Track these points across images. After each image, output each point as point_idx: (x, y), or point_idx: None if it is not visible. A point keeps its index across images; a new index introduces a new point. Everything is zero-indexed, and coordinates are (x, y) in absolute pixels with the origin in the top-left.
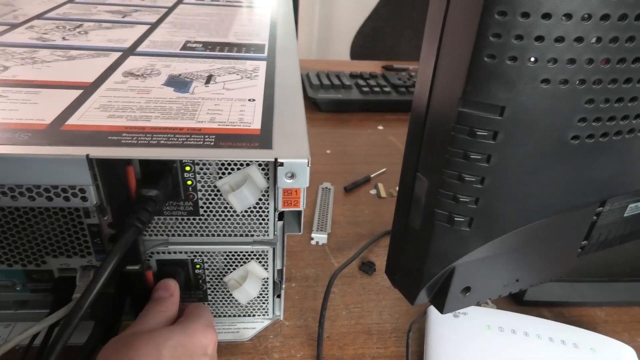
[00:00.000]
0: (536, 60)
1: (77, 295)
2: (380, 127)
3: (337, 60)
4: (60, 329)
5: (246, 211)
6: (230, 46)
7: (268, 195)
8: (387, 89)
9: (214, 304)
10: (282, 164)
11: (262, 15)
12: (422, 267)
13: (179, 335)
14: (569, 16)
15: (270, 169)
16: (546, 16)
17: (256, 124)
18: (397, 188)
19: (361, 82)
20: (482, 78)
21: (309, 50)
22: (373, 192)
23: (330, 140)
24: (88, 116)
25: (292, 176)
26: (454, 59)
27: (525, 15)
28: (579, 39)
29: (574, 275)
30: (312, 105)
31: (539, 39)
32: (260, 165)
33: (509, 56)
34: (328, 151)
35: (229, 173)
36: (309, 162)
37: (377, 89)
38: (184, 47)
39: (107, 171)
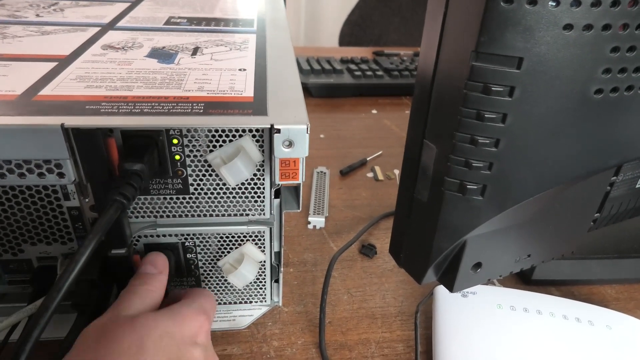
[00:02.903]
0: (557, 4)
1: None
2: (374, 111)
3: (326, 47)
4: (36, 315)
5: (240, 188)
6: (217, 21)
7: (263, 170)
8: (379, 73)
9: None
10: (278, 131)
11: None
12: (430, 242)
13: (166, 322)
14: None
15: (265, 140)
16: None
17: (248, 92)
18: (398, 171)
19: (353, 66)
20: (498, 26)
21: (297, 39)
22: (370, 175)
23: (324, 125)
24: (63, 87)
25: (290, 144)
26: (466, 8)
27: None
28: None
29: (583, 252)
30: (303, 91)
31: None
32: (254, 136)
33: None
34: (322, 135)
35: (220, 146)
36: (309, 129)
37: (369, 73)
38: (168, 22)
39: (86, 143)
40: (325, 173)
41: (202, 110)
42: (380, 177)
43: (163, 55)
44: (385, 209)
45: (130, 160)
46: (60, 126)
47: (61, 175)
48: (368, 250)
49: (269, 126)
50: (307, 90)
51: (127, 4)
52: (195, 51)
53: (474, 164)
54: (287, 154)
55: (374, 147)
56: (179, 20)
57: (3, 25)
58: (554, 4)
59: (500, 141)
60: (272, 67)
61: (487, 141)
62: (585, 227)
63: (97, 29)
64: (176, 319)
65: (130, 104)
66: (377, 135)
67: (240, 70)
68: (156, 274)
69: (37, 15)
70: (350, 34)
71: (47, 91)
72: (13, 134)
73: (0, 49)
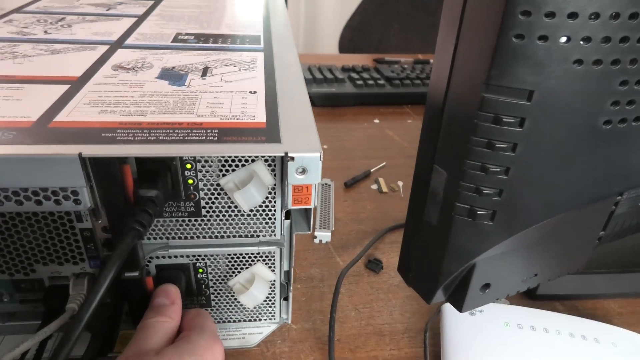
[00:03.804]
0: (568, 40)
1: (71, 305)
2: (377, 121)
3: (326, 54)
4: (57, 347)
5: (251, 210)
6: (224, 38)
7: (274, 193)
8: (380, 82)
9: (217, 309)
10: (292, 159)
11: (254, 6)
12: (439, 264)
13: (190, 357)
14: None
15: (277, 165)
16: None
17: (261, 117)
18: (402, 183)
19: (354, 75)
20: (508, 60)
21: (296, 45)
22: (374, 187)
23: (327, 135)
24: (78, 112)
25: (304, 171)
26: (477, 40)
27: None
28: (615, 15)
29: (586, 267)
30: None
31: (572, 15)
32: (266, 160)
33: (539, 35)
34: (325, 146)
35: (233, 170)
36: (322, 156)
37: (370, 82)
38: (175, 40)
39: (102, 171)
40: (329, 185)
41: (216, 138)
42: (385, 189)
43: (173, 76)
44: (390, 222)
45: (145, 186)
46: (78, 155)
47: (77, 202)
48: (374, 265)
49: (283, 154)
50: (310, 100)
51: (133, 19)
52: (205, 72)
53: (484, 191)
54: (300, 181)
55: (377, 158)
56: (186, 37)
57: (12, 44)
58: (565, 39)
59: (511, 169)
60: (282, 89)
61: (498, 169)
62: (591, 245)
63: (106, 47)
64: (197, 353)
65: (145, 131)
66: (379, 146)
67: (251, 92)
68: (169, 305)
69: (46, 32)
70: (350, 39)
71: (62, 117)
72: (31, 163)
73: (12, 70)
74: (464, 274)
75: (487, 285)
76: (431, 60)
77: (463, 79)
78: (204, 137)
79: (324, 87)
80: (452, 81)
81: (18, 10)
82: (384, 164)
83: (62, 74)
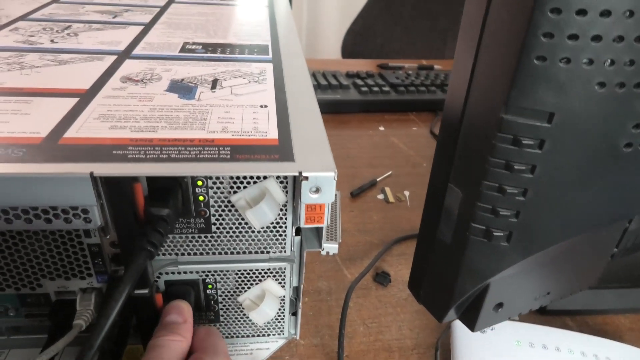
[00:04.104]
0: (591, 62)
1: (78, 322)
2: (382, 128)
3: (330, 59)
4: None
5: (262, 227)
6: (232, 47)
7: (286, 210)
8: (385, 89)
9: (226, 324)
10: (306, 178)
11: (260, 13)
12: (453, 284)
13: None
14: (629, 13)
15: (289, 182)
16: (605, 13)
17: (273, 134)
18: (408, 192)
19: (359, 81)
20: (529, 82)
21: None
22: (380, 196)
23: (332, 143)
24: (88, 127)
25: (317, 191)
26: (497, 61)
27: (582, 13)
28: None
29: (597, 282)
30: None
31: (596, 38)
32: (278, 177)
33: (561, 58)
34: None
35: (244, 187)
36: (336, 176)
37: (375, 88)
38: (183, 49)
39: (113, 189)
40: (336, 195)
41: (229, 156)
42: (391, 199)
43: (183, 89)
44: (397, 234)
45: (157, 204)
46: (90, 175)
47: (87, 220)
48: (382, 279)
49: (297, 174)
50: None
51: (140, 27)
52: (214, 84)
53: (501, 212)
54: (314, 200)
55: (383, 166)
56: (194, 47)
57: (19, 54)
58: (588, 62)
59: (528, 191)
60: (293, 103)
61: (515, 191)
62: (604, 262)
63: (114, 57)
64: None
65: (156, 148)
66: (385, 154)
67: (261, 106)
68: (181, 323)
69: (52, 41)
70: (353, 43)
71: (72, 133)
72: (42, 182)
73: (20, 81)
74: (477, 294)
75: (500, 305)
76: (435, 66)
77: (481, 99)
78: (217, 155)
79: (329, 94)
80: (470, 100)
81: (24, 17)
82: (390, 172)
83: (70, 86)
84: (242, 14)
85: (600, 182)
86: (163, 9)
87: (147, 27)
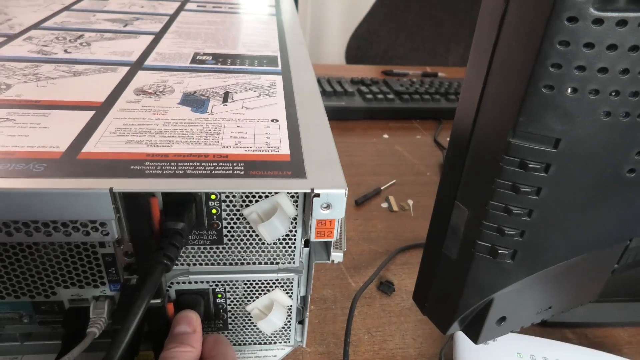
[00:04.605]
0: (597, 92)
1: (92, 329)
2: (386, 136)
3: (334, 65)
4: None
5: None
6: (241, 59)
7: (296, 222)
8: (390, 96)
9: (234, 332)
10: (318, 195)
11: (268, 22)
12: (457, 298)
13: None
14: (634, 48)
15: (300, 196)
16: (612, 47)
17: (284, 149)
18: (412, 201)
19: (364, 88)
20: (537, 109)
21: None
22: (384, 205)
23: (337, 150)
24: (105, 142)
25: (328, 207)
26: (505, 87)
27: (590, 46)
28: None
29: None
30: None
31: (603, 70)
32: (289, 192)
33: (568, 87)
34: None
35: (256, 201)
36: (347, 193)
37: (380, 96)
38: (194, 60)
39: (131, 204)
40: None
41: (242, 172)
42: (395, 208)
43: (195, 102)
44: (401, 243)
45: (172, 218)
46: (109, 190)
47: (105, 233)
48: (386, 288)
49: (309, 190)
50: None
51: (150, 37)
52: (226, 97)
53: (506, 231)
54: (325, 216)
55: (387, 174)
56: (204, 58)
57: (35, 64)
58: (594, 92)
59: (534, 211)
60: (303, 117)
61: (521, 211)
62: (605, 277)
63: (127, 68)
64: None
65: (172, 164)
66: (389, 162)
67: (273, 121)
68: (191, 333)
69: (66, 51)
70: (357, 47)
71: (90, 147)
72: (63, 197)
73: (37, 94)
74: (481, 308)
75: (503, 319)
76: (439, 74)
77: (489, 122)
78: (231, 171)
79: (334, 101)
80: (478, 122)
81: (36, 26)
82: (394, 181)
83: (86, 99)
84: (251, 22)
85: (603, 205)
86: (172, 17)
87: (158, 36)
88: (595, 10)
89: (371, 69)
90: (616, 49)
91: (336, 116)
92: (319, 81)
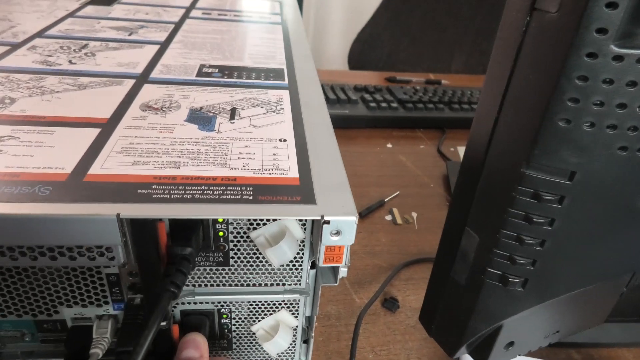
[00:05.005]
0: (614, 127)
1: (95, 350)
2: (389, 145)
3: (338, 71)
4: None
5: None
6: (248, 72)
7: (303, 245)
8: (394, 105)
9: (238, 352)
10: (328, 222)
11: (274, 31)
12: (466, 322)
13: None
14: None
15: (308, 221)
16: (632, 84)
17: (293, 172)
18: (416, 214)
19: (367, 96)
20: (552, 142)
21: None
22: (388, 217)
23: None
24: (111, 163)
25: (338, 233)
26: (520, 118)
27: (609, 82)
28: None
29: None
30: None
31: (622, 106)
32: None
33: (586, 122)
34: None
35: (264, 224)
36: (357, 220)
37: (384, 104)
38: (200, 73)
39: (137, 229)
40: None
41: (251, 197)
42: (399, 221)
43: (202, 119)
44: (405, 257)
45: (180, 243)
46: (116, 216)
47: (111, 258)
48: (391, 305)
49: (319, 217)
50: None
51: (156, 47)
52: (233, 114)
53: (517, 260)
54: (334, 242)
55: (391, 186)
56: (210, 71)
57: (39, 77)
58: (612, 127)
59: (546, 242)
60: (311, 137)
61: (533, 241)
62: (614, 302)
63: (132, 81)
64: None
65: (180, 187)
66: (392, 173)
67: (280, 140)
68: (198, 358)
69: (70, 62)
70: (360, 51)
71: (96, 169)
72: (69, 223)
73: (42, 109)
74: (489, 333)
75: (511, 343)
76: (443, 81)
77: (503, 151)
78: (239, 196)
79: (337, 109)
80: (491, 151)
81: (40, 34)
82: (397, 192)
83: (91, 115)
84: (256, 32)
85: (616, 236)
86: (178, 26)
87: (163, 46)
88: (616, 47)
89: (374, 75)
90: (636, 85)
91: (340, 124)
92: (322, 88)
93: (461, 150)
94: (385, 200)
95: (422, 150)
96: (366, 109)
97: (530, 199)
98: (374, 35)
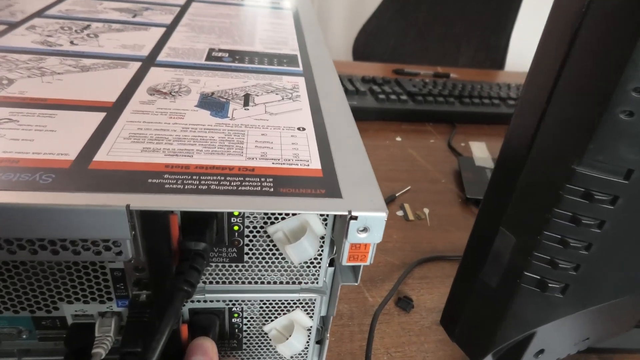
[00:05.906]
0: None
1: (97, 350)
2: (399, 139)
3: (343, 62)
4: None
5: None
6: (260, 57)
7: (323, 242)
8: (403, 97)
9: (248, 352)
10: (355, 218)
11: (285, 17)
12: (495, 329)
13: None
14: None
15: (330, 217)
16: None
17: (315, 163)
18: (428, 210)
19: (375, 88)
20: (611, 136)
21: None
22: (400, 213)
23: None
24: (118, 149)
25: (365, 230)
26: (574, 109)
27: None
28: None
29: None
30: None
31: None
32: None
33: None
34: None
35: (282, 218)
36: (387, 216)
37: (393, 96)
38: (209, 57)
39: (148, 222)
40: None
41: (272, 189)
42: (411, 216)
43: (214, 105)
44: (418, 255)
45: (193, 238)
46: (126, 208)
47: (118, 252)
48: (405, 304)
49: (347, 213)
50: None
51: (162, 29)
52: (247, 100)
53: (560, 264)
54: (361, 240)
55: (401, 180)
56: (220, 55)
57: (39, 57)
58: None
59: (593, 245)
60: (331, 126)
61: (579, 244)
62: None
63: (138, 64)
64: None
65: (194, 177)
66: (403, 167)
67: (299, 129)
68: None
69: (72, 43)
70: (365, 43)
71: (102, 155)
72: (73, 214)
73: (42, 91)
74: (520, 340)
75: (541, 351)
76: (451, 75)
77: (551, 146)
78: (259, 188)
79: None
80: (536, 145)
81: (39, 14)
82: (408, 187)
83: (96, 98)
84: (266, 17)
85: None
86: (184, 9)
87: (170, 29)
88: None
89: (381, 67)
90: None
91: None
92: None
93: (473, 146)
94: (397, 195)
95: (432, 144)
96: (375, 100)
97: (579, 198)
98: (380, 27)
